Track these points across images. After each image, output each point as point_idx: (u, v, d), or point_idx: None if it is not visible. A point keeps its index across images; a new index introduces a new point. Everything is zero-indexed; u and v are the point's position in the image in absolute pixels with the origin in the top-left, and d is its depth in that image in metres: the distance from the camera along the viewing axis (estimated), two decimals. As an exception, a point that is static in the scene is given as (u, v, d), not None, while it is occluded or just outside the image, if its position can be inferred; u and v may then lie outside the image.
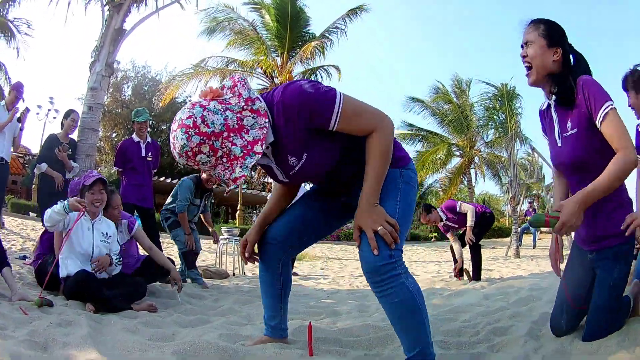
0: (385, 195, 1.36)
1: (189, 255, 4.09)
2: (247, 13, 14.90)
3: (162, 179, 17.20)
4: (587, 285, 1.67)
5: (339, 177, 1.50)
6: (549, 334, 1.78)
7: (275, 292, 1.70)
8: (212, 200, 5.02)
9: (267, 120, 1.31)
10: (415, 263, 9.45)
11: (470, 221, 4.66)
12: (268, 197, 1.85)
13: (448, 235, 5.05)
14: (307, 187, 1.77)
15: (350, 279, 5.50)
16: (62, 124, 4.58)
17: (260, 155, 1.28)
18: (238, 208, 15.12)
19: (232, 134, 1.27)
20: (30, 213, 14.40)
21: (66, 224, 2.59)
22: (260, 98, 1.36)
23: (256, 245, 1.67)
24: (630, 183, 1.57)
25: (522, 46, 1.67)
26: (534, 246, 13.18)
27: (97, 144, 5.91)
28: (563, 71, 1.62)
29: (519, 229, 11.72)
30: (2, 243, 2.60)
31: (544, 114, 1.78)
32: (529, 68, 1.65)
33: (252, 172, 20.54)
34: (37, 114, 19.33)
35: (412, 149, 18.85)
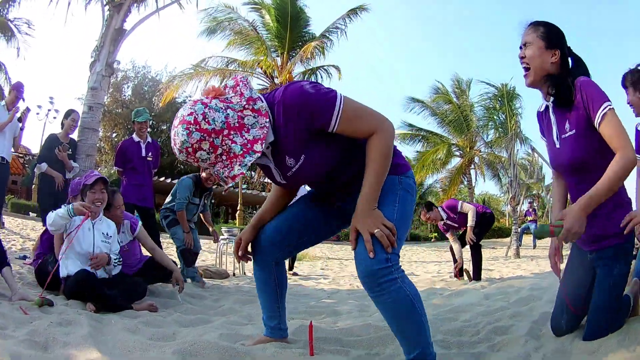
0: (383, 200, 1.35)
1: (187, 253, 4.09)
2: (247, 13, 14.92)
3: (162, 179, 17.20)
4: (587, 286, 1.67)
5: (336, 181, 1.49)
6: (550, 334, 1.79)
7: (271, 292, 1.69)
8: (212, 200, 5.02)
9: (267, 120, 1.32)
10: (415, 263, 9.46)
11: (471, 221, 4.67)
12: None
13: (448, 235, 5.06)
14: (307, 188, 1.76)
15: (350, 279, 5.49)
16: (62, 124, 4.58)
17: (259, 154, 1.28)
18: (238, 208, 15.11)
19: (232, 132, 1.27)
20: (30, 213, 14.40)
21: (68, 227, 2.58)
22: (262, 98, 1.36)
23: (250, 245, 1.67)
24: (629, 183, 1.58)
25: (520, 47, 1.68)
26: (534, 246, 13.19)
27: (97, 144, 5.91)
28: (561, 73, 1.62)
29: (519, 229, 11.72)
30: (2, 243, 2.60)
31: (542, 116, 1.79)
32: (526, 69, 1.66)
33: (252, 172, 20.53)
34: (37, 114, 19.35)
35: (412, 149, 18.87)
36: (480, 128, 16.73)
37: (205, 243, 8.07)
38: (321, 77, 15.15)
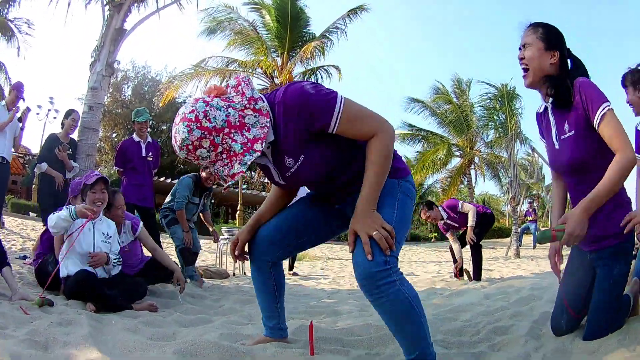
0: (382, 203, 1.34)
1: (186, 252, 4.09)
2: (247, 13, 14.91)
3: (162, 179, 17.20)
4: (587, 286, 1.68)
5: (336, 181, 1.48)
6: (550, 333, 1.79)
7: (269, 293, 1.69)
8: (212, 200, 5.03)
9: (268, 119, 1.32)
10: (415, 263, 9.47)
11: (471, 221, 4.67)
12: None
13: (447, 235, 5.05)
14: (306, 189, 1.76)
15: (350, 279, 5.49)
16: (62, 124, 4.58)
17: (259, 153, 1.28)
18: (238, 208, 15.10)
19: (233, 131, 1.28)
20: (30, 213, 14.40)
21: (70, 229, 2.57)
22: (263, 98, 1.37)
23: (247, 245, 1.67)
24: (628, 183, 1.58)
25: (519, 48, 1.69)
26: (534, 246, 13.18)
27: (97, 144, 5.90)
28: (560, 74, 1.63)
29: (519, 229, 11.72)
30: (2, 243, 2.60)
31: (541, 117, 1.80)
32: (525, 70, 1.67)
33: (252, 173, 20.52)
34: (37, 114, 19.35)
35: (412, 149, 18.88)
36: (480, 128, 16.73)
37: (205, 243, 8.07)
38: (321, 77, 15.16)
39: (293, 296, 3.70)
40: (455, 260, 4.96)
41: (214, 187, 4.58)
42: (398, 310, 1.24)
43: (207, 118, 1.24)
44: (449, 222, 4.93)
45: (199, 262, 5.69)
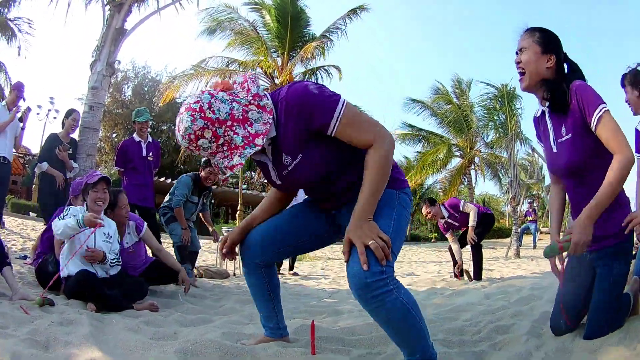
0: (379, 213, 1.32)
1: (183, 249, 4.09)
2: (248, 13, 14.88)
3: (162, 179, 17.19)
4: (587, 286, 1.68)
5: (333, 186, 1.46)
6: (550, 332, 1.79)
7: (264, 294, 1.69)
8: (212, 200, 5.04)
9: (271, 117, 1.33)
10: (415, 263, 9.46)
11: (472, 221, 4.66)
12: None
13: (447, 236, 5.05)
14: (302, 197, 1.75)
15: (350, 278, 5.48)
16: (63, 123, 4.59)
17: (259, 147, 1.29)
18: (238, 208, 15.07)
19: (235, 124, 1.29)
20: (30, 213, 14.40)
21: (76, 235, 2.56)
22: (268, 96, 1.38)
23: (239, 247, 1.67)
24: (627, 183, 1.59)
25: (516, 53, 1.70)
26: (534, 246, 13.19)
27: (97, 145, 5.90)
28: (556, 78, 1.64)
29: (519, 229, 11.72)
30: (3, 242, 2.59)
31: (538, 121, 1.81)
32: (522, 74, 1.68)
33: (252, 173, 20.51)
34: (38, 114, 19.37)
35: (412, 150, 18.87)
36: (481, 128, 16.72)
37: (205, 243, 8.07)
38: (321, 77, 15.14)
39: (294, 296, 3.70)
40: (455, 262, 4.96)
41: (214, 187, 4.57)
42: (396, 317, 1.22)
43: (211, 109, 1.26)
44: (449, 221, 4.93)
45: (199, 262, 5.69)
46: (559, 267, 1.73)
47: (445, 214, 4.92)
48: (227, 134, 1.28)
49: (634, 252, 1.82)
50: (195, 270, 4.56)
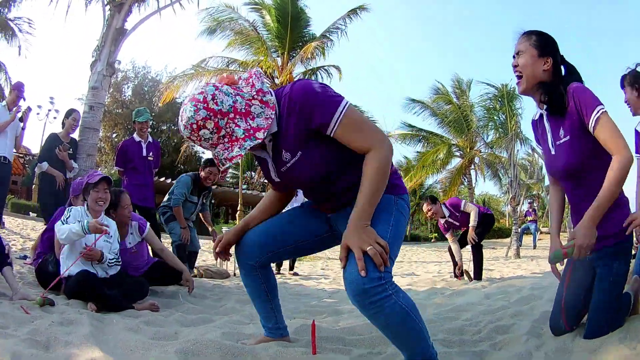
0: (377, 218, 1.31)
1: (182, 248, 4.09)
2: (248, 13, 14.88)
3: (162, 179, 17.20)
4: (587, 286, 1.68)
5: (331, 187, 1.45)
6: (551, 332, 1.79)
7: (261, 295, 1.69)
8: (212, 201, 5.04)
9: (274, 112, 1.34)
10: (415, 263, 9.46)
11: (473, 221, 4.66)
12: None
13: (447, 236, 5.05)
14: (299, 202, 1.75)
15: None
16: (63, 123, 4.59)
17: (260, 141, 1.30)
18: (238, 208, 15.07)
19: (237, 117, 1.30)
20: (30, 213, 14.40)
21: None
22: (272, 92, 1.39)
23: (234, 248, 1.67)
24: (627, 183, 1.60)
25: (513, 56, 1.72)
26: (534, 246, 13.19)
27: (97, 145, 5.90)
28: (553, 80, 1.65)
29: (519, 229, 11.73)
30: (3, 242, 2.59)
31: (537, 124, 1.82)
32: (519, 77, 1.70)
33: (252, 173, 20.51)
34: (38, 114, 19.37)
35: (412, 150, 18.85)
36: (481, 128, 16.72)
37: (205, 243, 8.07)
38: (321, 77, 15.13)
39: (294, 296, 3.70)
40: (455, 263, 4.96)
41: (214, 187, 4.58)
42: (395, 322, 1.21)
43: (215, 101, 1.27)
44: (450, 220, 4.93)
45: (199, 262, 5.69)
46: (560, 269, 1.73)
47: (446, 213, 4.92)
48: (229, 126, 1.29)
49: (633, 252, 1.83)
50: (195, 270, 4.57)
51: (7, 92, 13.96)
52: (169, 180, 16.66)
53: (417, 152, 19.17)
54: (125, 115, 22.46)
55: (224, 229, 6.18)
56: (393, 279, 1.23)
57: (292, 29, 14.27)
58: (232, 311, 2.69)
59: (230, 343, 1.65)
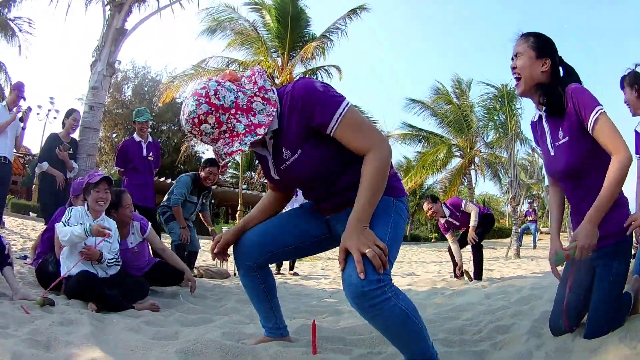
0: (376, 220, 1.30)
1: (181, 248, 4.09)
2: (248, 13, 14.88)
3: (162, 179, 17.21)
4: (587, 286, 1.68)
5: (330, 187, 1.44)
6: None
7: (260, 295, 1.69)
8: (212, 201, 5.04)
9: (275, 109, 1.35)
10: (415, 263, 9.46)
11: (473, 221, 4.66)
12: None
13: (447, 236, 5.04)
14: (297, 204, 1.74)
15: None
16: (63, 123, 4.59)
17: (260, 137, 1.30)
18: (238, 209, 15.08)
19: (239, 112, 1.31)
20: (30, 213, 14.41)
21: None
22: (274, 90, 1.40)
23: (232, 248, 1.66)
24: (626, 183, 1.61)
25: (512, 58, 1.73)
26: (534, 246, 13.19)
27: (97, 145, 5.91)
28: (552, 82, 1.66)
29: (519, 229, 11.72)
30: (4, 241, 2.59)
31: (536, 126, 1.83)
32: (518, 79, 1.71)
33: (252, 173, 20.50)
34: (38, 114, 19.38)
35: (412, 150, 18.84)
36: (481, 128, 16.71)
37: (205, 243, 8.07)
38: (321, 77, 15.11)
39: (294, 296, 3.70)
40: (455, 263, 4.96)
41: (214, 187, 4.57)
42: (395, 324, 1.21)
43: (217, 96, 1.29)
44: (450, 220, 4.93)
45: (199, 262, 5.69)
46: (559, 269, 1.73)
47: (447, 213, 4.91)
48: (230, 122, 1.30)
49: (633, 252, 1.84)
50: (195, 270, 4.57)
51: (7, 92, 13.96)
52: (169, 180, 16.66)
53: (417, 152, 19.17)
54: (125, 115, 22.46)
55: (224, 229, 6.18)
56: (392, 281, 1.23)
57: (292, 29, 14.26)
58: (233, 311, 2.69)
59: (231, 343, 1.65)
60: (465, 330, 2.01)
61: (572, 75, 1.69)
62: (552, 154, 1.71)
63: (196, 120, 1.28)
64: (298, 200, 5.20)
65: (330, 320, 2.39)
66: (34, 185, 17.45)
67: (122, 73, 23.69)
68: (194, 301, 3.02)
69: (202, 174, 4.18)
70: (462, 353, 1.63)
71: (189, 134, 1.35)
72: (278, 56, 14.81)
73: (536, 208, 17.17)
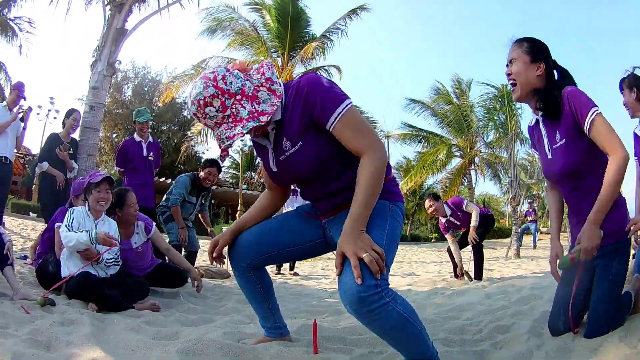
0: (372, 224, 1.29)
1: (180, 249, 4.09)
2: (248, 13, 14.89)
3: (162, 179, 17.22)
4: (587, 286, 1.69)
5: (329, 185, 1.44)
6: (551, 332, 1.79)
7: (257, 296, 1.69)
8: (212, 201, 5.04)
9: (280, 100, 1.38)
10: (415, 263, 9.46)
11: (474, 221, 4.66)
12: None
13: (447, 236, 5.04)
14: (296, 205, 1.74)
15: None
16: (63, 123, 4.58)
17: (263, 124, 1.32)
18: (238, 209, 15.11)
19: (244, 99, 1.33)
20: (30, 213, 14.41)
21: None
22: (280, 83, 1.43)
23: (227, 249, 1.67)
24: (625, 184, 1.62)
25: (507, 65, 1.74)
26: (534, 246, 13.20)
27: (98, 145, 5.91)
28: (547, 86, 1.68)
29: (519, 229, 11.72)
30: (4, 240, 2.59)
31: (532, 130, 1.85)
32: (514, 85, 1.72)
33: (252, 173, 20.51)
34: (38, 114, 19.33)
35: (412, 150, 18.84)
36: (481, 128, 16.71)
37: (205, 243, 8.06)
38: (321, 77, 15.12)
39: (294, 296, 3.71)
40: (455, 264, 4.96)
41: (214, 187, 4.57)
42: (394, 328, 1.20)
43: (224, 81, 1.31)
44: (451, 219, 4.92)
45: (199, 262, 5.69)
46: (559, 271, 1.74)
47: (448, 212, 4.91)
48: (235, 107, 1.32)
49: (632, 252, 1.84)
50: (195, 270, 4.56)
51: (7, 92, 13.96)
52: (169, 181, 16.67)
53: (417, 152, 19.17)
54: (126, 116, 22.47)
55: (224, 229, 6.15)
56: (389, 286, 1.21)
57: (292, 29, 14.27)
58: (233, 311, 2.69)
59: (231, 343, 1.65)
60: (465, 330, 2.02)
61: (566, 78, 1.71)
62: (549, 157, 1.72)
63: (202, 102, 1.30)
64: (298, 200, 5.20)
65: (330, 320, 2.39)
66: (34, 185, 17.45)
67: (122, 73, 23.71)
68: (194, 301, 3.02)
69: (202, 174, 4.18)
70: (463, 352, 1.63)
71: (194, 117, 1.37)
72: (278, 56, 14.81)
73: (536, 208, 17.17)
